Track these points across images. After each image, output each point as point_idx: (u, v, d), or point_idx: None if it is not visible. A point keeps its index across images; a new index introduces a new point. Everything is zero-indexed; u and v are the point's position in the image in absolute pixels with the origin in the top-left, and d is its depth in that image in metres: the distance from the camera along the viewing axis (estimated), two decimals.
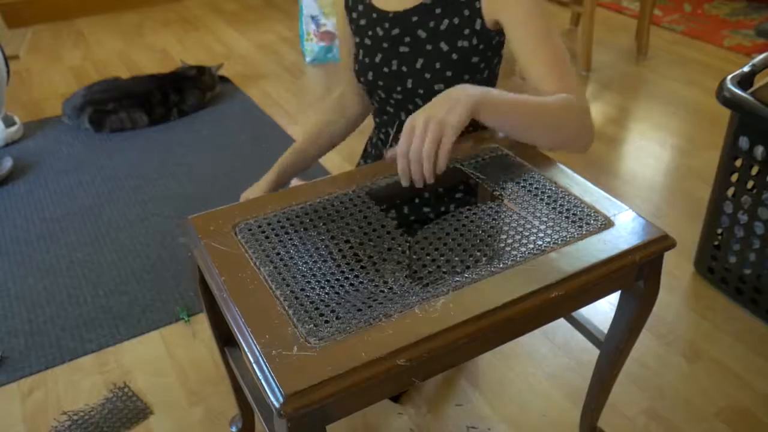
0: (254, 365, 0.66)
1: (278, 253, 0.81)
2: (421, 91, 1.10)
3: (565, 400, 1.31)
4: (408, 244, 0.80)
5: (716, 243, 1.55)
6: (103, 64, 2.97)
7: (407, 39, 1.08)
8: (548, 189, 0.92)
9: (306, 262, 0.79)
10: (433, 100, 0.86)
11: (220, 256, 0.81)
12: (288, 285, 0.76)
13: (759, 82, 1.41)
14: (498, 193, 0.92)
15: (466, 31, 1.04)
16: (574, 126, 0.95)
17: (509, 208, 0.90)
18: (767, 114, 1.30)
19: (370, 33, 1.12)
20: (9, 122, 2.33)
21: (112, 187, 2.06)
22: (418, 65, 1.08)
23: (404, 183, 0.86)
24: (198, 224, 0.86)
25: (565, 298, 0.75)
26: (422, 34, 1.07)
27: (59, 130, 2.42)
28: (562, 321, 1.08)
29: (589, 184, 0.93)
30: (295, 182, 1.28)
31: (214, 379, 1.37)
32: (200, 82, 2.53)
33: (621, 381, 1.17)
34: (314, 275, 0.78)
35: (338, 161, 2.16)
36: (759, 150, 1.37)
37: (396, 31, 1.08)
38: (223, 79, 2.73)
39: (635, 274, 0.86)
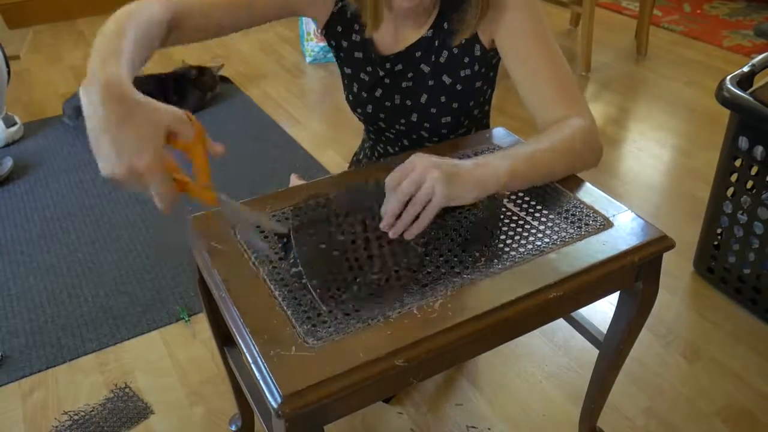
0: (252, 365, 0.67)
1: (277, 253, 0.81)
2: (427, 125, 1.07)
3: (565, 400, 1.31)
4: (408, 244, 0.80)
5: (716, 243, 1.55)
6: None
7: (410, 74, 1.05)
8: (547, 189, 0.92)
9: (305, 262, 0.79)
10: (466, 164, 0.80)
11: (219, 256, 0.81)
12: (286, 285, 0.76)
13: (758, 82, 1.41)
14: (497, 193, 0.92)
15: (466, 59, 1.01)
16: (586, 155, 0.93)
17: (508, 208, 0.90)
18: (767, 114, 1.30)
19: (368, 69, 1.06)
20: (9, 122, 2.33)
21: (112, 187, 2.06)
22: (423, 100, 1.05)
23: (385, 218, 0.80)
24: (198, 224, 0.86)
25: (564, 298, 0.75)
26: (425, 68, 1.03)
27: (60, 130, 2.42)
28: (561, 321, 1.08)
29: (588, 185, 0.93)
30: (294, 182, 1.28)
31: (214, 379, 1.37)
32: (201, 82, 2.53)
33: (621, 381, 1.17)
34: (313, 275, 0.78)
35: (338, 160, 2.17)
36: (758, 150, 1.37)
37: (399, 67, 1.04)
38: (224, 80, 2.73)
39: (634, 274, 0.86)
